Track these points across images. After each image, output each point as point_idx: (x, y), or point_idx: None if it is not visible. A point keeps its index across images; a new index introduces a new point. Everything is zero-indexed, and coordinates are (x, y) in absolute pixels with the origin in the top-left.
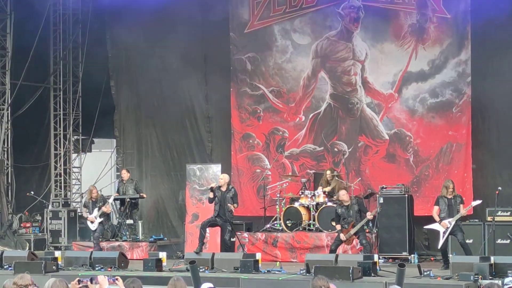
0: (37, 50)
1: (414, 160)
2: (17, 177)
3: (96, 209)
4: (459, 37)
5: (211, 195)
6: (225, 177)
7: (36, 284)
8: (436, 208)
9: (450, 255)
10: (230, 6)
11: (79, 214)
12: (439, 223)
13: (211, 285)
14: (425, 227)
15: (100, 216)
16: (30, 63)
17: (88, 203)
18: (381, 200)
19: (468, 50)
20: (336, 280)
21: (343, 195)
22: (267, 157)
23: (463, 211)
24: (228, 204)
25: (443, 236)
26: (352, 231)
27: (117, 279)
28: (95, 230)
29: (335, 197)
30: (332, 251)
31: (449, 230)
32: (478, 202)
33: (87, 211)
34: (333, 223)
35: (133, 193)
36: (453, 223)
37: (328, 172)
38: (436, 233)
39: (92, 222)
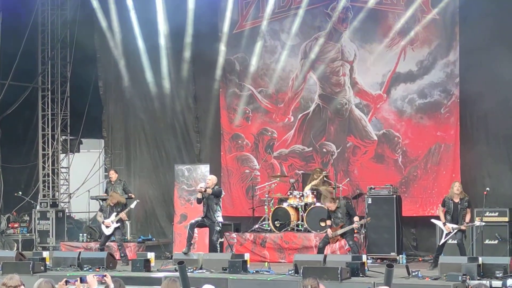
0: (25, 50)
1: (402, 161)
2: (5, 177)
3: (114, 214)
4: (447, 38)
5: (199, 195)
6: (213, 178)
7: (25, 285)
8: (441, 208)
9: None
10: (219, 6)
11: (67, 214)
12: (444, 225)
13: (212, 287)
14: (432, 220)
15: (117, 222)
16: (18, 63)
17: (106, 208)
18: (369, 201)
19: (456, 51)
20: (324, 280)
21: (330, 206)
22: (256, 158)
23: (463, 227)
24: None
25: (445, 237)
26: (339, 231)
27: (105, 275)
28: (112, 234)
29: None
30: (320, 249)
31: (450, 235)
32: (482, 224)
33: (102, 215)
34: (322, 223)
35: (122, 193)
36: (455, 231)
37: (316, 171)
38: (424, 234)
39: (107, 226)
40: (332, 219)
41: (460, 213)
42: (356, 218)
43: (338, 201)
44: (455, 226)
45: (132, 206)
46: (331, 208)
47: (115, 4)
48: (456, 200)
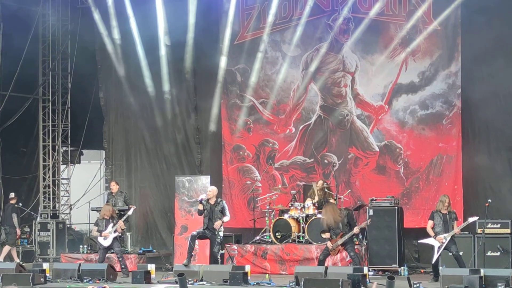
0: (26, 61)
1: (404, 172)
2: (5, 189)
3: (111, 225)
4: (449, 49)
5: (200, 207)
6: (214, 189)
7: None
8: (430, 222)
9: (440, 267)
10: (220, 17)
11: (68, 225)
12: (434, 238)
13: None
14: (419, 241)
15: (115, 231)
16: (18, 74)
17: (102, 221)
18: (371, 212)
19: (458, 62)
20: None
21: (327, 216)
22: (258, 169)
23: (457, 229)
24: (215, 223)
25: (438, 252)
26: (340, 241)
27: (105, 287)
28: (111, 246)
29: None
30: (321, 261)
31: (444, 245)
32: (475, 218)
33: (98, 229)
34: (323, 235)
35: (123, 205)
36: (448, 238)
37: (320, 182)
38: (426, 245)
39: (105, 238)
40: (331, 230)
41: (450, 223)
42: (355, 227)
43: (341, 211)
44: (446, 234)
45: (130, 212)
46: (330, 221)
47: (116, 16)
48: (444, 212)
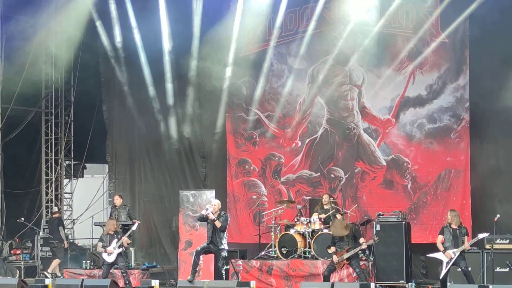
0: (29, 73)
1: (412, 187)
2: (7, 203)
3: (115, 241)
4: (457, 61)
5: (203, 211)
6: (218, 203)
7: None
8: (440, 237)
9: (449, 284)
10: (226, 29)
11: (70, 240)
12: (443, 253)
13: None
14: (428, 255)
15: (119, 247)
16: (21, 87)
17: (106, 236)
18: (378, 227)
19: (466, 75)
20: None
21: (334, 230)
22: (263, 183)
23: (467, 244)
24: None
25: (446, 267)
26: (345, 255)
27: None
28: (115, 262)
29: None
30: (326, 277)
31: (452, 260)
32: (485, 234)
33: (103, 245)
34: (329, 250)
35: (126, 219)
36: (457, 254)
37: (325, 197)
38: (434, 261)
39: (110, 253)
40: (337, 244)
41: (459, 239)
42: (361, 239)
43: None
44: (455, 249)
45: (134, 228)
46: (337, 234)
47: (119, 29)
48: (455, 227)
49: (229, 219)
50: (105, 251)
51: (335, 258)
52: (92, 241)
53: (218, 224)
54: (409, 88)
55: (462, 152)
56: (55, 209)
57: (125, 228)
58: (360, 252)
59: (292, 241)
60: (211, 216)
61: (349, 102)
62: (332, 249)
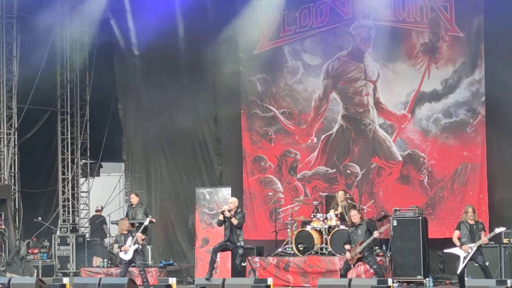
0: (44, 73)
1: (428, 182)
2: (24, 203)
3: (129, 238)
4: (472, 56)
5: (221, 217)
6: (235, 200)
7: None
8: (457, 232)
9: (466, 278)
10: (240, 26)
11: (88, 239)
12: (460, 248)
13: None
14: (445, 250)
15: (134, 244)
16: (37, 87)
17: (120, 236)
18: (395, 223)
19: (481, 69)
20: None
21: (353, 215)
22: (280, 180)
23: (485, 238)
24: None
25: (463, 262)
26: (358, 249)
27: None
28: (132, 260)
29: (347, 218)
30: (342, 276)
31: (470, 255)
32: (502, 229)
33: (119, 246)
34: (346, 246)
35: (142, 217)
36: (474, 248)
37: (341, 193)
38: (451, 256)
39: (126, 252)
40: (351, 238)
41: (476, 234)
42: (375, 232)
43: (361, 220)
44: (472, 244)
45: (146, 223)
46: (355, 222)
47: (134, 27)
48: (471, 222)
49: (244, 217)
50: (121, 250)
51: (348, 255)
52: (109, 239)
53: (234, 221)
54: (425, 83)
55: (478, 147)
56: (99, 207)
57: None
58: (377, 248)
59: (308, 237)
60: (227, 214)
61: (364, 98)
62: (347, 246)
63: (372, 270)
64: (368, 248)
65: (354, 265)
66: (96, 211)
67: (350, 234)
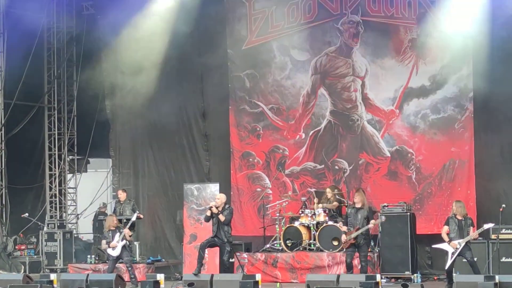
0: (31, 68)
1: (416, 178)
2: (11, 199)
3: (117, 234)
4: (460, 52)
5: (208, 213)
6: (222, 196)
7: None
8: (445, 228)
9: (454, 274)
10: (228, 22)
11: (75, 235)
12: (449, 243)
13: None
14: (433, 246)
15: (122, 240)
16: (23, 82)
17: (108, 233)
18: (383, 219)
19: (469, 65)
20: None
21: (357, 196)
22: (268, 176)
23: (474, 234)
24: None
25: (451, 257)
26: (353, 234)
27: None
28: (120, 256)
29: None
30: (349, 264)
31: (458, 251)
32: (491, 225)
33: (106, 242)
34: (334, 242)
35: (130, 213)
36: (462, 244)
37: (328, 190)
38: (439, 252)
39: (113, 248)
40: (349, 220)
41: (465, 229)
42: (371, 221)
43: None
44: (461, 240)
45: (134, 218)
46: (357, 204)
47: (122, 22)
48: (460, 218)
49: (233, 212)
50: (109, 246)
51: (343, 238)
52: (97, 235)
53: (222, 218)
54: (413, 78)
55: (466, 142)
56: (101, 204)
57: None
58: (370, 239)
59: (297, 233)
60: (215, 210)
61: (353, 94)
62: (344, 228)
63: (360, 266)
64: (365, 237)
65: (345, 250)
66: (100, 208)
67: (349, 215)
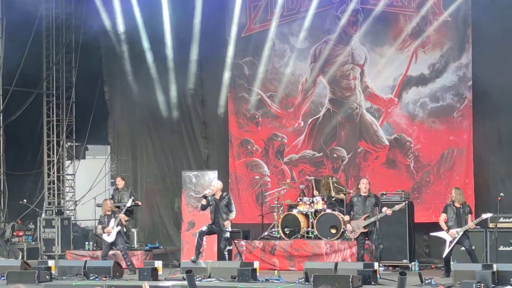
0: (30, 55)
1: (414, 166)
2: (9, 185)
3: (113, 220)
4: (459, 40)
5: (203, 201)
6: (217, 185)
7: None
8: (443, 216)
9: (452, 263)
10: (227, 9)
11: (73, 222)
12: (447, 232)
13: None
14: (431, 234)
15: (117, 225)
16: (22, 69)
17: (104, 217)
18: (397, 208)
19: (469, 53)
20: None
21: (363, 183)
22: (266, 163)
23: (472, 223)
24: (224, 223)
25: (449, 246)
26: (363, 223)
27: None
28: (114, 242)
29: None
30: (362, 256)
31: (456, 239)
32: (489, 215)
33: (102, 227)
34: (332, 230)
35: (128, 200)
36: (461, 233)
37: (327, 178)
38: (437, 240)
39: (108, 234)
40: (355, 208)
41: (463, 217)
42: (384, 208)
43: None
44: (459, 229)
45: (129, 204)
46: (363, 192)
47: (121, 9)
48: (458, 205)
49: (232, 201)
50: (104, 232)
51: (349, 227)
52: (95, 222)
53: (232, 216)
54: (412, 67)
55: (465, 131)
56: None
57: (128, 209)
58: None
59: (295, 221)
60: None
61: (352, 82)
62: (346, 217)
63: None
64: (374, 224)
65: (356, 239)
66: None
67: (355, 203)
